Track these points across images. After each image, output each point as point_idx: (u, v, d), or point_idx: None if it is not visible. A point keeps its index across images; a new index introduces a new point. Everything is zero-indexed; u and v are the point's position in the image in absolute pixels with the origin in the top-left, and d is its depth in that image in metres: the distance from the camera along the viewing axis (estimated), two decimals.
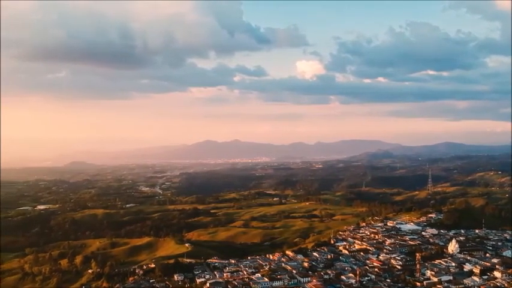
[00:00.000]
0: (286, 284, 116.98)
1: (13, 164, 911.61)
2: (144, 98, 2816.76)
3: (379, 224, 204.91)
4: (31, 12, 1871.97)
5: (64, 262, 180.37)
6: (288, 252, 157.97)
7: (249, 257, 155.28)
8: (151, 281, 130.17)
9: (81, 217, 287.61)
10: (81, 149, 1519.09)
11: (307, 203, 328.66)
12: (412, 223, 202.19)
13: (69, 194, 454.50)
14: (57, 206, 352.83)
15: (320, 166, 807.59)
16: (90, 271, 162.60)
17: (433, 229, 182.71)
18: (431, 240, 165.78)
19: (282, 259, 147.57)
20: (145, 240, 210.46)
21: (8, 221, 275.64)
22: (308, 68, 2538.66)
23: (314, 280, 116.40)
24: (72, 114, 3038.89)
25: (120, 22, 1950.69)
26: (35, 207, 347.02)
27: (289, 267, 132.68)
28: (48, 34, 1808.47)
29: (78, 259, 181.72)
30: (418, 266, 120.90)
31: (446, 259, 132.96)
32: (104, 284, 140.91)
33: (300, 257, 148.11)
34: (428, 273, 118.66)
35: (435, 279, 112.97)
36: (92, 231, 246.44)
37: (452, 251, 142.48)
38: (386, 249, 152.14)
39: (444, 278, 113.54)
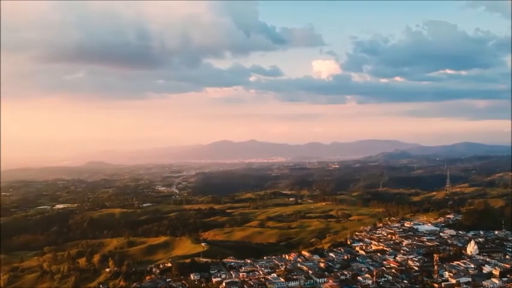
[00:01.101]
0: (302, 284, 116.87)
1: (31, 164, 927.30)
2: (160, 98, 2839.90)
3: (396, 225, 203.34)
4: (49, 14, 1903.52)
5: (82, 261, 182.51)
6: (304, 253, 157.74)
7: (264, 257, 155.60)
8: (168, 280, 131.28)
9: (99, 216, 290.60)
10: (99, 149, 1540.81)
11: (323, 203, 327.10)
12: (429, 224, 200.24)
13: (87, 193, 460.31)
14: (75, 205, 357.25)
15: (336, 166, 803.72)
16: (107, 270, 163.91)
17: (452, 230, 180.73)
18: (449, 241, 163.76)
19: (298, 259, 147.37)
20: (162, 239, 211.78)
21: (27, 219, 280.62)
22: (324, 68, 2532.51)
23: (330, 281, 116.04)
24: (89, 115, 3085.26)
25: (137, 23, 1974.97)
26: (54, 206, 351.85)
27: (305, 268, 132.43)
28: (66, 35, 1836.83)
29: (96, 258, 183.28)
30: (436, 267, 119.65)
31: (464, 260, 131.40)
32: (121, 283, 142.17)
33: (316, 257, 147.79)
34: (447, 274, 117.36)
35: (453, 281, 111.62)
36: (110, 230, 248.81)
37: (471, 252, 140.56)
38: (404, 250, 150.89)
39: (463, 279, 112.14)
